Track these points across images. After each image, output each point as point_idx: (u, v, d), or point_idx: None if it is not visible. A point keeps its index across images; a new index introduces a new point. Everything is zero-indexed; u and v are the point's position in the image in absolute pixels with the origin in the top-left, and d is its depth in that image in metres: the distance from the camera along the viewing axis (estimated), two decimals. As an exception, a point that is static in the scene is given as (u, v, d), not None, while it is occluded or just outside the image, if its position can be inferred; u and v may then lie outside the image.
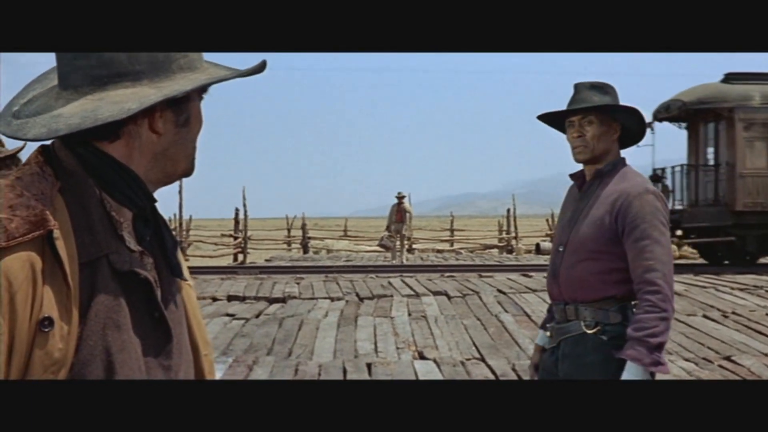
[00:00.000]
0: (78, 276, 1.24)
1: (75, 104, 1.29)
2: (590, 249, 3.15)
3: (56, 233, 1.21)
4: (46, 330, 1.19)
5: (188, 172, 1.47)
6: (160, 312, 1.36)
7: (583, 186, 3.34)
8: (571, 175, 3.43)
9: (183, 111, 1.40)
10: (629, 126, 3.31)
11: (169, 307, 1.41)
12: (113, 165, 1.33)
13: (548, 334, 3.33)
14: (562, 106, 3.30)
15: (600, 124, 3.20)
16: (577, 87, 3.29)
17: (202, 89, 1.44)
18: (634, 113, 3.27)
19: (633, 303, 3.13)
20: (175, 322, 1.41)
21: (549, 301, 3.43)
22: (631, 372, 2.94)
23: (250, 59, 1.46)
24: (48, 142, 1.35)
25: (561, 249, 3.27)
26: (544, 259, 23.58)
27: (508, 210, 31.97)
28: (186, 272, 1.57)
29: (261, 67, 1.43)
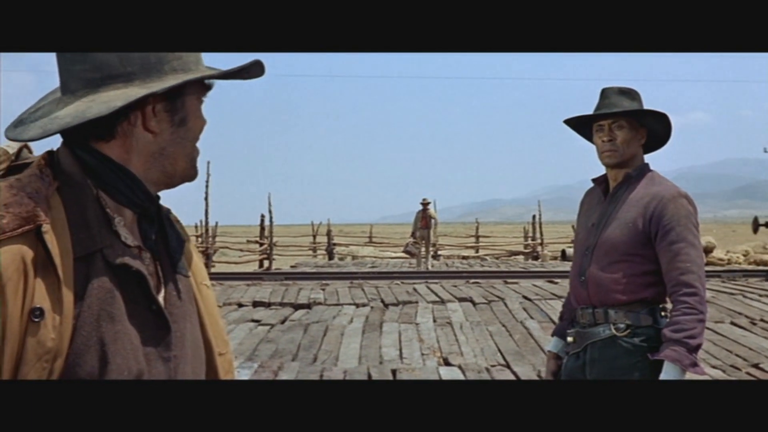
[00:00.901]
0: (72, 269, 1.30)
1: (70, 107, 1.35)
2: (622, 252, 3.15)
3: (45, 227, 1.27)
4: (37, 320, 1.23)
5: (189, 173, 1.50)
6: (157, 304, 1.40)
7: (607, 190, 3.34)
8: (594, 180, 3.45)
9: (178, 110, 1.44)
10: (656, 131, 3.32)
11: (173, 302, 1.46)
12: (110, 165, 1.39)
13: (570, 339, 3.31)
14: (588, 112, 3.31)
15: (630, 128, 3.22)
16: (605, 91, 3.30)
17: (201, 90, 1.49)
18: (662, 119, 3.27)
19: (661, 306, 3.14)
20: (179, 316, 1.46)
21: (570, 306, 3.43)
22: (669, 373, 2.94)
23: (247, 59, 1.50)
24: (53, 146, 1.42)
25: (588, 252, 3.27)
26: (570, 266, 23.43)
27: (534, 216, 31.88)
28: (202, 272, 1.63)
29: (253, 68, 1.47)
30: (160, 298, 1.44)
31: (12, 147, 1.45)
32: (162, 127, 1.43)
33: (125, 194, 1.41)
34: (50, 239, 1.27)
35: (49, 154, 1.40)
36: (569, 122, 3.41)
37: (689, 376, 2.99)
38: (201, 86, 1.49)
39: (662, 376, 2.95)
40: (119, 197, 1.41)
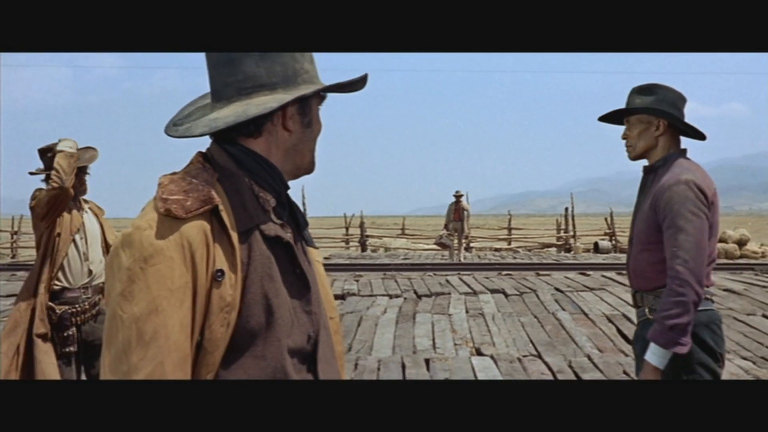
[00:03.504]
0: (237, 241, 1.61)
1: (227, 109, 1.67)
2: (644, 241, 3.35)
3: (221, 206, 1.60)
4: (219, 279, 1.55)
5: (311, 166, 1.83)
6: (300, 268, 1.72)
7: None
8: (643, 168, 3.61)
9: (307, 114, 1.75)
10: (674, 119, 3.41)
11: (306, 268, 1.74)
12: (256, 158, 1.71)
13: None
14: (622, 104, 3.51)
15: (639, 123, 3.44)
16: (630, 92, 3.51)
17: (322, 98, 1.80)
18: (664, 113, 3.39)
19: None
20: (312, 280, 1.76)
21: (606, 300, 3.66)
22: (651, 350, 3.16)
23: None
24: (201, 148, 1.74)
25: (630, 242, 3.55)
26: (602, 258, 23.42)
27: (566, 209, 31.79)
28: (315, 251, 1.98)
29: (360, 82, 1.78)
30: None
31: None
32: (295, 128, 1.74)
33: (268, 182, 1.72)
34: (225, 215, 1.59)
35: (203, 154, 1.71)
36: (604, 119, 3.62)
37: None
38: (320, 96, 1.80)
39: (646, 355, 3.17)
40: (264, 184, 1.71)
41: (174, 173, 1.64)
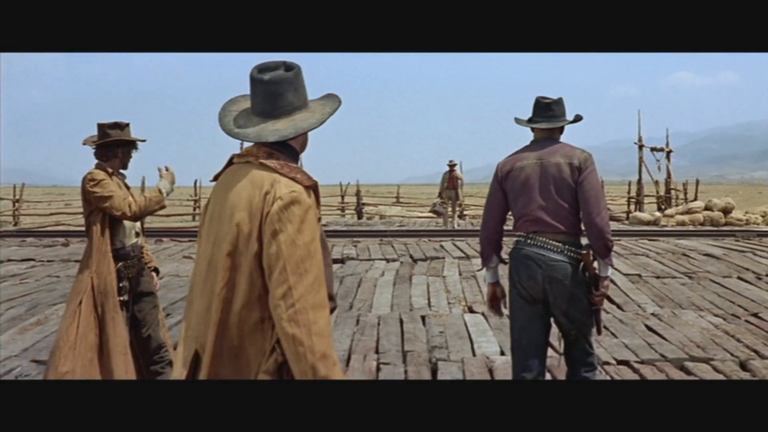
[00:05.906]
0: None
1: (281, 123, 2.52)
2: None
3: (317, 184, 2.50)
4: (320, 222, 2.48)
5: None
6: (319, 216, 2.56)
7: None
8: None
9: None
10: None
11: None
12: (295, 152, 2.61)
13: None
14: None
15: None
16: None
17: None
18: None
19: (520, 234, 4.44)
20: None
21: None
22: None
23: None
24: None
25: None
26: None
27: (558, 177, 32.02)
28: None
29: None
30: None
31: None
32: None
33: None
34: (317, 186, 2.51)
35: (266, 148, 2.51)
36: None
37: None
38: None
39: None
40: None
41: (269, 160, 2.47)
